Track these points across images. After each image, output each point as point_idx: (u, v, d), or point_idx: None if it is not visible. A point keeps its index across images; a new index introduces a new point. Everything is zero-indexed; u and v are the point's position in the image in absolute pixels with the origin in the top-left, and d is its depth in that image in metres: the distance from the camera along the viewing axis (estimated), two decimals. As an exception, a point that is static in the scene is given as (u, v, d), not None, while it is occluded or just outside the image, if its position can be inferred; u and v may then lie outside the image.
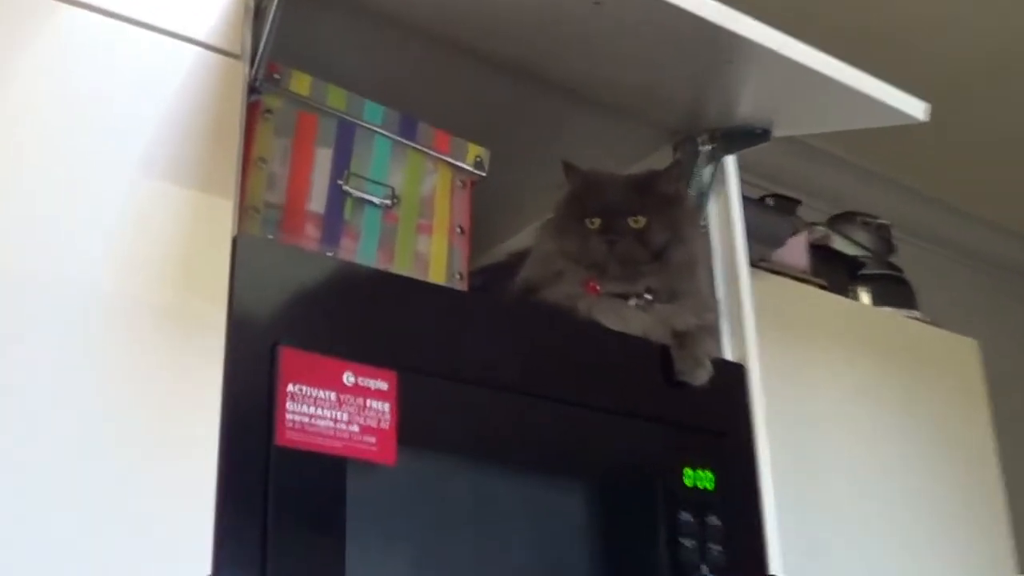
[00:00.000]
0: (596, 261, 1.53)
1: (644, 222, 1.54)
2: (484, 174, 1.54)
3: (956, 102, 2.82)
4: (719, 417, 1.53)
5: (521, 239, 1.87)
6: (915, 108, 1.59)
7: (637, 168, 1.76)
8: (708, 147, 1.73)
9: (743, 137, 1.71)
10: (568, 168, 1.60)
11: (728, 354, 1.63)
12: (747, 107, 1.66)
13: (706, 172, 1.73)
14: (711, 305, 1.63)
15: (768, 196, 2.49)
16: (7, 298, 1.08)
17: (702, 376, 1.51)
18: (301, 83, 1.41)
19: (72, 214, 1.14)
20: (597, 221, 1.54)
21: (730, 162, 1.75)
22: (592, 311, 1.52)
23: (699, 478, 1.46)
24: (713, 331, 1.61)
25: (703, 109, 1.69)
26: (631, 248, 1.53)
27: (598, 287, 1.52)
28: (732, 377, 1.58)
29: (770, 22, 1.48)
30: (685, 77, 1.60)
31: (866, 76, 1.56)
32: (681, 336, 1.53)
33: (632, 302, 1.54)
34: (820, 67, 1.52)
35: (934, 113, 1.62)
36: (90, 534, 1.05)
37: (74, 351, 1.10)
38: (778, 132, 1.69)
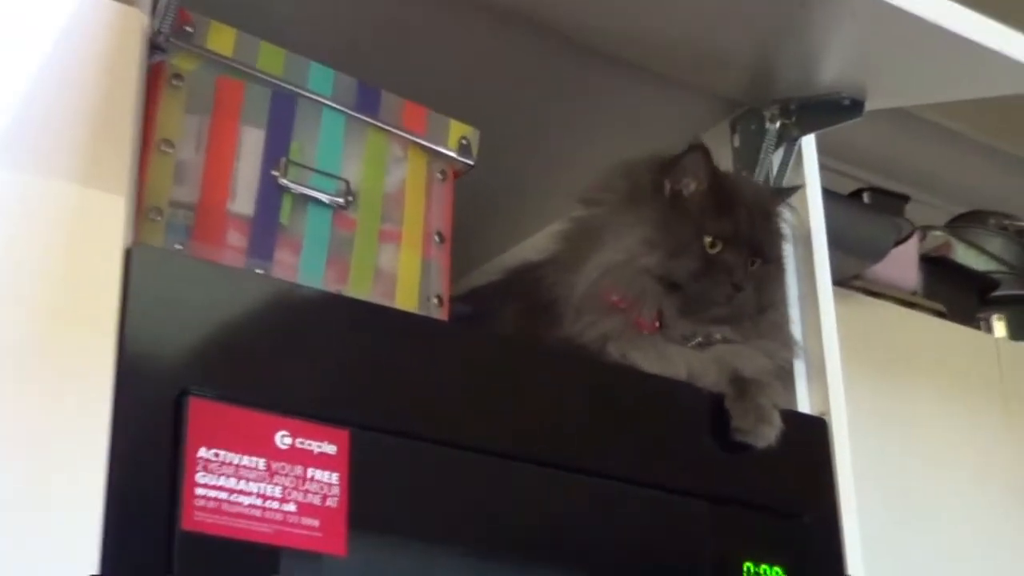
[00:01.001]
0: (708, 303, 1.56)
1: (760, 263, 1.59)
2: (472, 162, 1.54)
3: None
4: (792, 491, 1.54)
5: (525, 250, 1.88)
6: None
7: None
8: (778, 123, 1.74)
9: (826, 110, 1.72)
10: (699, 152, 1.60)
11: (804, 405, 1.64)
12: (831, 70, 1.67)
13: (775, 157, 1.74)
14: (789, 343, 1.63)
15: (864, 190, 2.50)
16: None
17: (768, 435, 1.51)
18: (222, 38, 1.41)
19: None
20: (719, 246, 1.55)
21: (809, 144, 1.76)
22: (628, 352, 1.53)
23: (764, 574, 1.44)
24: (787, 377, 1.61)
25: (771, 73, 1.70)
26: (749, 298, 1.57)
27: (658, 323, 1.54)
28: (810, 436, 1.59)
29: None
30: (746, 29, 1.61)
31: (987, 20, 1.55)
32: (741, 382, 1.52)
33: (693, 343, 1.55)
34: (926, 12, 1.52)
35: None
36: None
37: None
38: (873, 103, 1.69)
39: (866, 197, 2.47)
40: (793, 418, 1.54)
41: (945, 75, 1.62)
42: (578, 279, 1.56)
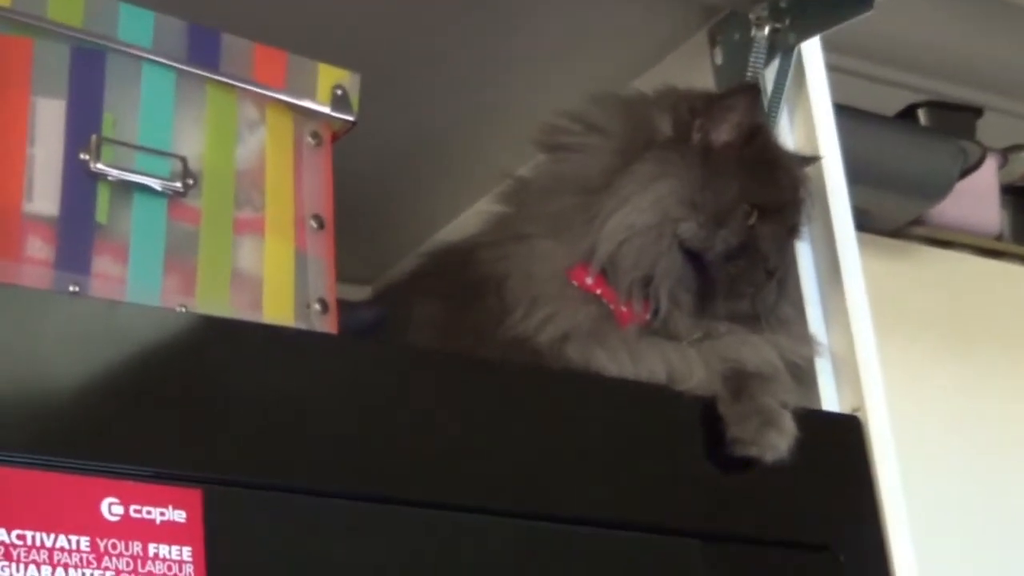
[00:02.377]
0: (735, 290, 1.60)
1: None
2: (352, 117, 1.56)
3: None
4: (817, 517, 1.56)
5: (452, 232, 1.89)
6: None
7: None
8: (767, 28, 1.77)
9: (828, 4, 1.74)
10: (751, 94, 1.65)
11: (831, 401, 1.64)
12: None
13: (769, 73, 1.77)
14: (806, 337, 1.67)
15: (919, 105, 2.50)
16: None
17: (778, 443, 1.53)
18: (-7, -22, 1.42)
19: None
20: (755, 216, 1.59)
21: (811, 51, 1.78)
22: (593, 354, 1.56)
23: (789, 627, 1.47)
24: (803, 377, 1.63)
25: None
26: (773, 287, 1.63)
27: (647, 316, 1.57)
28: (839, 441, 1.61)
29: None
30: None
31: None
32: (738, 380, 1.55)
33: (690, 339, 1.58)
34: None
35: None
36: None
37: None
38: (894, -14, 1.69)
39: (922, 115, 2.47)
40: (814, 419, 1.56)
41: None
42: (559, 252, 1.59)
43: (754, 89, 1.63)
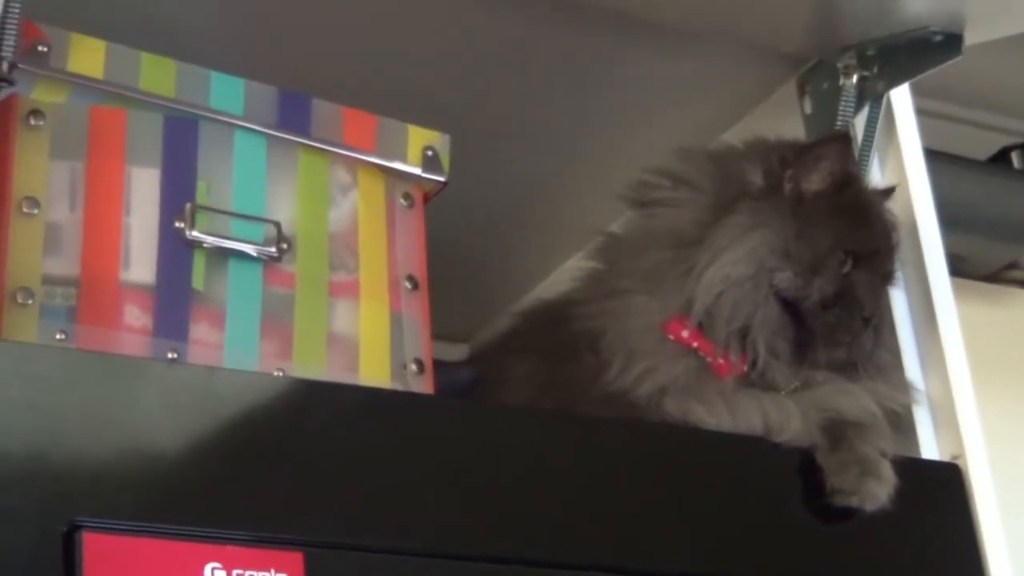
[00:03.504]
0: (832, 340, 1.59)
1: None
2: (443, 178, 1.57)
3: None
4: (918, 567, 1.56)
5: (553, 284, 1.89)
6: None
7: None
8: (856, 76, 1.76)
9: (915, 52, 1.74)
10: (842, 143, 1.64)
11: (930, 449, 1.64)
12: (918, 3, 1.69)
13: (859, 120, 1.77)
14: (903, 385, 1.67)
15: (1013, 148, 2.49)
16: None
17: (878, 493, 1.52)
18: (89, 54, 1.44)
19: None
20: (849, 266, 1.59)
21: (900, 97, 1.78)
22: (691, 408, 1.56)
23: None
24: (901, 425, 1.62)
25: (842, 15, 1.73)
26: (870, 335, 1.61)
27: (745, 368, 1.57)
28: (938, 488, 1.59)
29: None
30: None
31: None
32: (837, 429, 1.54)
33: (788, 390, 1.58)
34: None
35: None
36: None
37: None
38: (974, 38, 1.71)
39: (1015, 158, 2.46)
40: (913, 467, 1.56)
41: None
42: (656, 304, 1.59)
43: (845, 137, 1.62)
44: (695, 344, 1.57)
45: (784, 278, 1.57)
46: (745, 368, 1.57)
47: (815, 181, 1.60)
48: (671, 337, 1.58)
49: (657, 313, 1.59)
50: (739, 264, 1.56)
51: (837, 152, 1.61)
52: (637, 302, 1.60)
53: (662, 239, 1.62)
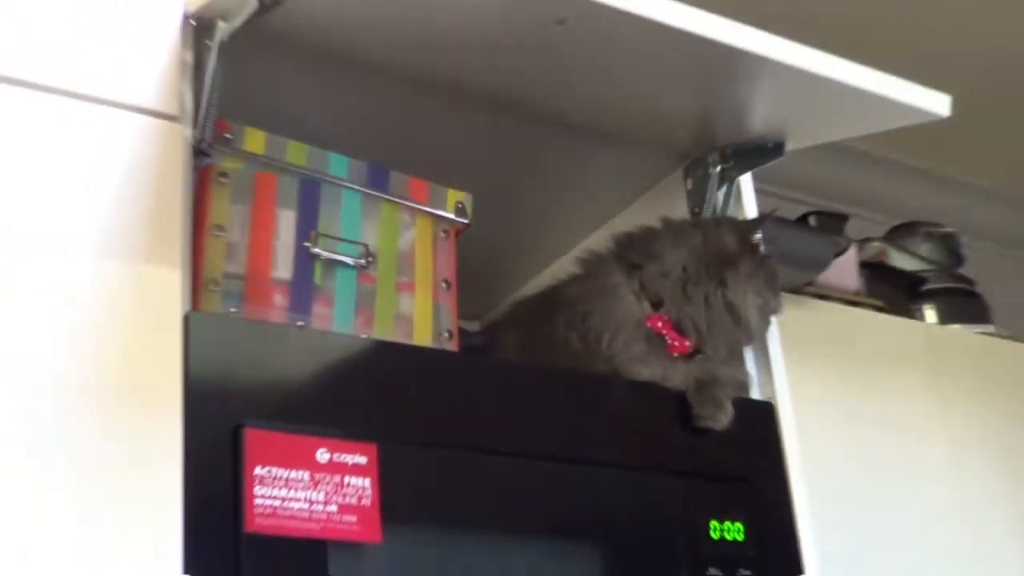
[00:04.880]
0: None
1: None
2: (467, 221, 1.56)
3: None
4: (746, 463, 1.55)
5: (538, 282, 1.90)
6: (937, 103, 1.59)
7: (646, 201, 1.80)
8: (719, 167, 1.75)
9: (755, 153, 1.73)
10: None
11: (756, 392, 1.64)
12: (757, 120, 1.67)
13: (720, 195, 1.75)
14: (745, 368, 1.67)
15: (811, 214, 2.51)
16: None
17: (722, 419, 1.53)
18: (255, 140, 1.44)
19: (12, 295, 1.17)
20: None
21: (745, 182, 1.78)
22: (641, 369, 1.56)
23: (727, 530, 1.47)
24: (742, 386, 1.62)
25: (713, 127, 1.71)
26: None
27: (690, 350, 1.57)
28: (759, 418, 1.60)
29: (767, 27, 1.49)
30: (686, 93, 1.62)
31: (879, 74, 1.56)
32: (701, 382, 1.54)
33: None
34: (826, 70, 1.53)
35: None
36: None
37: (20, 437, 1.13)
38: (792, 145, 1.70)
39: (812, 220, 2.48)
40: (743, 404, 1.56)
41: (844, 117, 1.63)
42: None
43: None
44: (665, 332, 1.55)
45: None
46: (690, 351, 1.55)
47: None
48: (647, 325, 1.55)
49: (639, 309, 1.57)
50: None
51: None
52: (627, 299, 1.58)
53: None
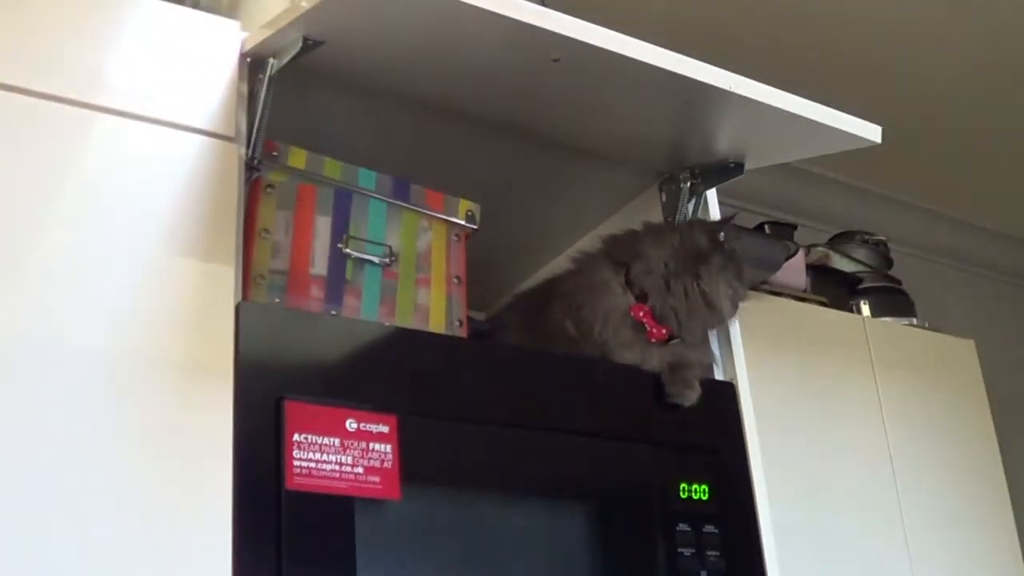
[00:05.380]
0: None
1: None
2: (476, 227, 1.55)
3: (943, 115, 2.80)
4: (711, 434, 1.53)
5: (537, 277, 1.88)
6: (871, 132, 1.59)
7: (626, 212, 1.78)
8: (688, 184, 1.72)
9: (720, 172, 1.70)
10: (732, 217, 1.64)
11: (720, 374, 1.62)
12: (723, 144, 1.66)
13: (690, 207, 1.73)
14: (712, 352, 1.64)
15: (766, 223, 2.50)
16: (35, 360, 1.12)
17: (691, 397, 1.51)
18: (298, 158, 1.43)
19: (92, 286, 1.18)
20: None
21: (711, 196, 1.75)
22: (626, 353, 1.53)
23: (695, 491, 1.46)
24: (708, 368, 1.60)
25: (683, 149, 1.69)
26: None
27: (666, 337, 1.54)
28: (723, 396, 1.58)
29: (730, 65, 1.48)
30: (661, 121, 1.60)
31: (823, 108, 1.55)
32: (673, 365, 1.52)
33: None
34: (780, 103, 1.52)
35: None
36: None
37: (95, 409, 1.13)
38: (750, 165, 1.68)
39: (766, 228, 2.46)
40: (709, 384, 1.54)
41: (795, 142, 1.62)
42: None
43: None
44: (646, 321, 1.53)
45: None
46: (666, 337, 1.53)
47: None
48: (632, 315, 1.53)
49: (625, 300, 1.54)
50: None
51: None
52: (615, 292, 1.55)
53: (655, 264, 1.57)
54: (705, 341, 1.61)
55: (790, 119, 1.54)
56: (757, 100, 1.50)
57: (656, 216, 1.73)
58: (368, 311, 1.42)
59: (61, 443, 1.10)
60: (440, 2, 1.23)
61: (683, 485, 1.45)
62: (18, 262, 1.15)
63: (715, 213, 1.76)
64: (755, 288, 2.24)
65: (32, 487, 1.07)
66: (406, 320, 1.44)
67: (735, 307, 1.60)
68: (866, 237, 2.73)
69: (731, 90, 1.46)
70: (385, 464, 1.24)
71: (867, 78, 2.66)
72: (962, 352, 2.48)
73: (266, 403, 1.20)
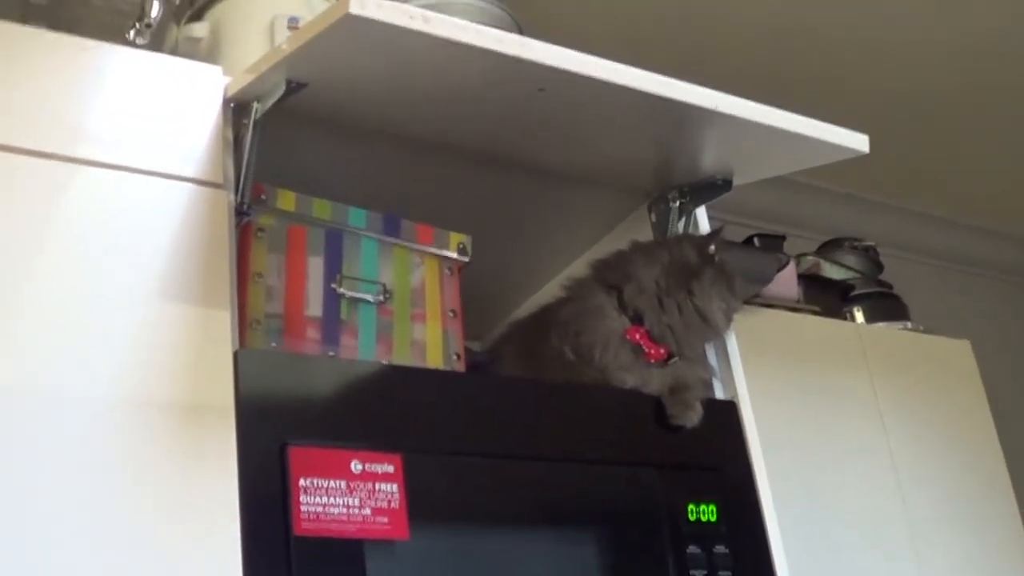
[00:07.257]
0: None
1: None
2: (468, 259, 1.54)
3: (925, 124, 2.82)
4: (715, 454, 1.53)
5: (529, 305, 1.88)
6: (858, 142, 1.58)
7: (617, 234, 1.78)
8: (678, 202, 1.73)
9: (708, 189, 1.70)
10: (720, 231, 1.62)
11: (719, 393, 1.62)
12: (709, 162, 1.66)
13: (679, 225, 1.73)
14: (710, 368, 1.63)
15: (754, 236, 2.50)
16: (32, 410, 1.12)
17: (693, 418, 1.51)
18: (286, 200, 1.43)
19: (88, 338, 1.17)
20: None
21: (700, 213, 1.76)
22: (627, 377, 1.53)
23: (702, 512, 1.46)
24: (708, 385, 1.60)
25: (671, 169, 1.69)
26: None
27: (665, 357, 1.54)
28: (724, 415, 1.58)
29: (715, 84, 1.48)
30: (647, 142, 1.60)
31: (809, 120, 1.55)
32: (673, 388, 1.52)
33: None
34: (765, 119, 1.52)
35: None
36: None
37: (97, 460, 1.13)
38: (739, 180, 1.68)
39: (756, 240, 2.46)
40: (710, 404, 1.54)
41: (781, 156, 1.62)
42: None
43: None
44: (643, 343, 1.52)
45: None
46: (665, 357, 1.52)
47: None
48: (628, 338, 1.52)
49: (620, 323, 1.54)
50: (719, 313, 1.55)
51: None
52: (611, 315, 1.54)
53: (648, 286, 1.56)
54: (703, 356, 1.61)
55: (776, 134, 1.54)
56: (742, 117, 1.50)
57: (646, 238, 1.73)
58: (365, 350, 1.42)
59: (63, 495, 1.09)
60: (421, 40, 1.23)
61: (691, 506, 1.45)
62: (14, 315, 1.15)
63: (705, 230, 1.76)
64: (748, 302, 2.23)
65: (34, 540, 1.06)
66: (404, 357, 1.44)
67: (729, 320, 1.60)
68: (855, 243, 2.74)
69: (716, 109, 1.46)
70: (392, 504, 1.23)
71: (849, 89, 2.67)
72: (958, 353, 2.49)
73: (270, 449, 1.20)
